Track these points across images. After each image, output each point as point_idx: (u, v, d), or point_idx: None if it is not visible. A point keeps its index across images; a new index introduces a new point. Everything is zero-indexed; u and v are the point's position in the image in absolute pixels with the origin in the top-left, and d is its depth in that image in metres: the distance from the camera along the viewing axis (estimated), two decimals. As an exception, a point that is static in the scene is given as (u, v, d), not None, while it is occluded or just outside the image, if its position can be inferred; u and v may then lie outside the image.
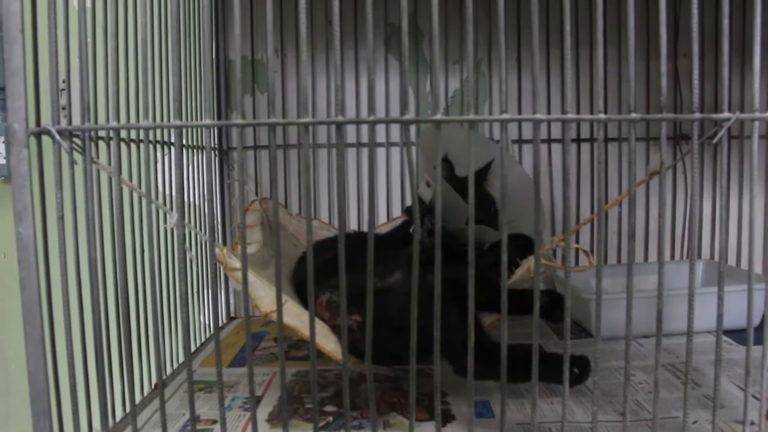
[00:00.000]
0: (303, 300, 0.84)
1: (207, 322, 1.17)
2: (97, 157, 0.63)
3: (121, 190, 0.65)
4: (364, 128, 1.28)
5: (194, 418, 0.62)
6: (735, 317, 0.66)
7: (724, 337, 1.01)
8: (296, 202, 1.33)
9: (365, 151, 1.29)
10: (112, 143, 0.62)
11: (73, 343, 0.62)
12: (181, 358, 0.99)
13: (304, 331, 0.75)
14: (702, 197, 1.33)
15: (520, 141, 1.32)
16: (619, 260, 1.33)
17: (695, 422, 0.73)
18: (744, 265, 1.23)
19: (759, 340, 0.60)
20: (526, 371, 0.60)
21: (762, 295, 0.88)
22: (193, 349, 1.09)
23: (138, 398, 0.82)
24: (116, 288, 0.63)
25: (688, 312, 0.59)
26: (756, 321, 0.59)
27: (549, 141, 1.32)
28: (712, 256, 1.33)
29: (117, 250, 0.63)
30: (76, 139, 0.61)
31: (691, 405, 0.78)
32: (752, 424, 0.61)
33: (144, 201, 0.60)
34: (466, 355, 0.58)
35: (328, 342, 0.76)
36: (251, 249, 0.93)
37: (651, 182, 1.30)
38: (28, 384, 0.61)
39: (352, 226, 1.32)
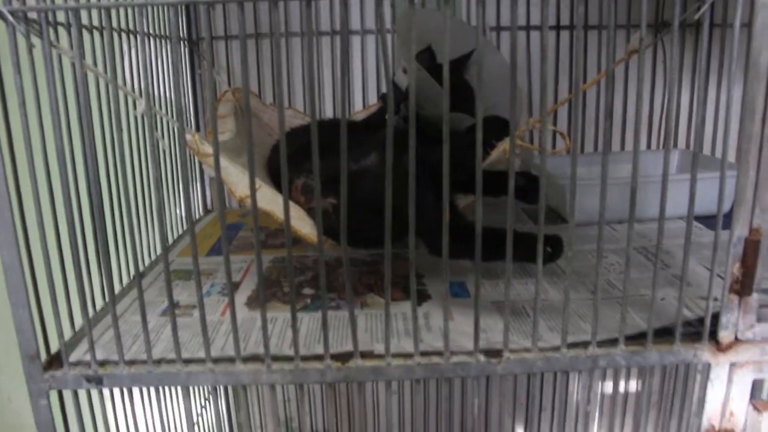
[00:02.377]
0: (278, 186, 0.84)
1: (184, 215, 1.17)
2: (57, 42, 0.61)
3: (85, 75, 0.63)
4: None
5: (173, 304, 0.62)
6: (706, 204, 0.67)
7: (695, 223, 1.03)
8: (270, 93, 1.30)
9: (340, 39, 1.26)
10: (73, 29, 0.59)
11: (46, 236, 0.62)
12: (160, 249, 0.99)
13: (279, 214, 0.75)
14: (681, 87, 1.32)
15: (498, 28, 1.28)
16: (596, 148, 1.33)
17: (663, 299, 0.75)
18: (719, 154, 1.24)
19: (728, 226, 0.61)
20: (500, 250, 0.61)
21: (733, 183, 0.89)
22: (171, 240, 1.09)
23: (117, 289, 0.83)
24: (87, 180, 0.62)
25: (661, 197, 0.60)
26: (726, 207, 0.60)
27: (528, 28, 1.29)
28: (688, 146, 1.33)
29: (86, 140, 0.62)
30: (34, 24, 0.58)
31: (660, 284, 0.80)
32: (715, 300, 0.63)
33: (110, 89, 0.58)
34: (440, 235, 0.59)
35: (303, 225, 0.76)
36: (224, 137, 0.91)
37: (630, 71, 1.30)
38: (4, 276, 0.61)
39: (328, 114, 1.31)
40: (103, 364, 0.64)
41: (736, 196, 0.60)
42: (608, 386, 1.47)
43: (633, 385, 1.46)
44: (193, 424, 1.07)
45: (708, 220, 1.02)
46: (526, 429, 1.49)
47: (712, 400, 0.66)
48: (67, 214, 0.61)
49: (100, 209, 0.62)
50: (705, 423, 0.67)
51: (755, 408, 0.64)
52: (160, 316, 0.77)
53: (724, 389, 0.66)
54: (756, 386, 0.66)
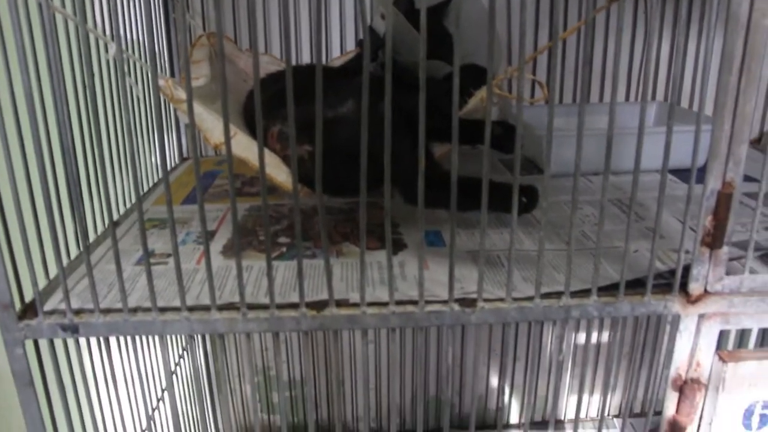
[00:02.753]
0: (254, 133, 0.83)
1: (159, 162, 1.15)
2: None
3: (53, 17, 0.61)
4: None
5: (147, 252, 0.62)
6: (682, 157, 0.67)
7: (670, 176, 1.04)
8: (246, 38, 1.28)
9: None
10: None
11: (17, 184, 0.60)
12: (134, 197, 0.98)
13: (255, 162, 0.74)
14: (660, 38, 1.31)
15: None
16: (574, 99, 1.33)
17: (636, 251, 0.76)
18: (697, 108, 1.24)
19: (703, 180, 0.61)
20: (476, 200, 0.60)
21: (708, 137, 0.89)
22: (146, 188, 1.08)
23: (92, 238, 0.82)
24: (58, 125, 0.61)
25: (636, 149, 0.60)
26: (701, 161, 0.60)
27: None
28: (666, 99, 1.33)
29: (55, 84, 0.60)
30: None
31: (634, 236, 0.81)
32: (687, 252, 0.64)
33: (80, 31, 0.56)
34: (416, 184, 0.59)
35: (279, 173, 0.75)
36: (198, 83, 0.90)
37: (611, 21, 1.29)
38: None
39: (305, 60, 1.29)
40: (78, 312, 0.64)
41: (711, 150, 0.60)
42: (581, 337, 1.50)
43: (605, 336, 1.49)
44: (171, 373, 1.08)
45: (683, 174, 1.02)
46: (500, 378, 1.52)
47: (680, 351, 0.68)
48: (38, 161, 0.60)
49: (71, 156, 0.61)
50: (672, 372, 0.69)
51: (720, 358, 0.65)
52: (135, 265, 0.76)
53: (692, 340, 0.67)
54: (722, 337, 0.68)
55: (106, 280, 0.71)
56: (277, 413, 1.52)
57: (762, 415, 0.67)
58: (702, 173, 0.62)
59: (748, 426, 0.68)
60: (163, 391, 0.85)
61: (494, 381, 1.55)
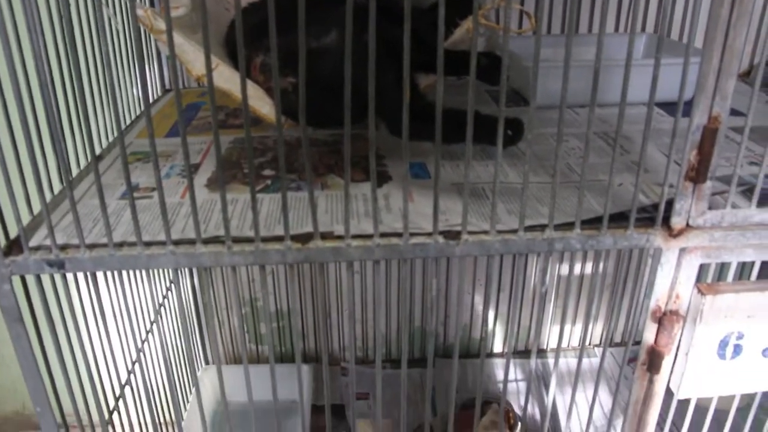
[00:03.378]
0: (237, 64, 0.81)
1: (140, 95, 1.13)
2: None
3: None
4: None
5: (130, 186, 0.61)
6: (670, 90, 0.66)
7: (657, 109, 1.04)
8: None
9: None
10: None
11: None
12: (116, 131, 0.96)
13: (238, 94, 0.73)
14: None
15: None
16: (562, 30, 1.31)
17: (620, 185, 0.76)
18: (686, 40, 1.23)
19: (689, 113, 0.61)
20: (461, 132, 0.60)
21: (697, 69, 0.89)
22: (128, 121, 1.06)
23: (75, 173, 0.81)
24: (35, 57, 0.59)
25: (623, 81, 0.59)
26: (689, 94, 0.59)
27: None
28: (656, 31, 1.31)
29: (30, 15, 0.58)
30: None
31: (619, 169, 0.81)
32: (671, 186, 0.65)
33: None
34: (401, 116, 0.58)
35: (263, 105, 0.74)
36: (178, 12, 0.87)
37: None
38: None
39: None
40: (64, 248, 0.64)
41: (698, 83, 0.60)
42: (564, 268, 1.52)
43: (588, 267, 1.52)
44: (159, 306, 1.10)
45: (670, 107, 1.02)
46: (484, 308, 1.54)
47: (661, 284, 0.69)
48: (16, 96, 0.58)
49: (49, 90, 0.60)
50: (652, 304, 0.70)
51: (699, 291, 0.67)
52: (119, 199, 0.75)
53: (673, 273, 0.68)
54: (701, 271, 0.69)
55: (91, 215, 0.71)
56: (266, 344, 1.55)
57: (736, 345, 0.69)
58: (689, 107, 0.61)
59: (722, 356, 0.69)
60: (151, 324, 0.86)
61: (479, 311, 1.58)
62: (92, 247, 0.63)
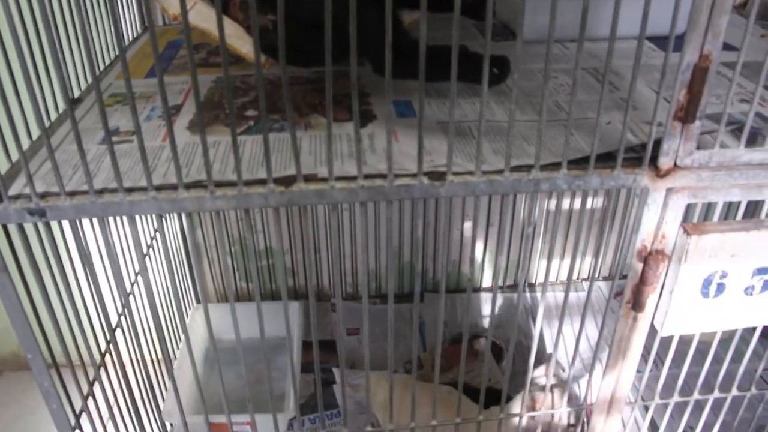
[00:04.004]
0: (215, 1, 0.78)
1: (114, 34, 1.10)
2: None
3: None
4: None
5: (108, 131, 0.60)
6: (661, 23, 0.64)
7: (649, 44, 1.01)
8: None
9: None
10: None
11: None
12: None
13: (217, 32, 0.70)
14: None
15: None
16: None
17: (609, 123, 0.75)
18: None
19: (681, 48, 0.59)
20: (446, 69, 0.58)
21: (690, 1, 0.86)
22: (107, 62, 1.03)
23: (54, 117, 0.79)
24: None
25: (613, 13, 0.57)
26: (681, 28, 0.58)
27: None
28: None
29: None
30: None
31: (607, 107, 0.79)
32: (660, 125, 0.64)
33: None
34: (384, 53, 0.56)
35: (243, 44, 0.72)
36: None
37: None
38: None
39: None
40: (44, 196, 0.62)
41: (690, 19, 0.58)
42: (552, 203, 1.52)
43: (577, 203, 1.52)
44: (147, 247, 1.10)
45: (662, 41, 1.00)
46: (472, 244, 1.55)
47: (647, 223, 0.69)
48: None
49: (17, 34, 0.57)
50: (638, 244, 0.70)
51: (685, 231, 0.67)
52: (99, 144, 0.73)
53: (659, 213, 0.68)
54: (688, 210, 0.69)
55: (70, 161, 0.69)
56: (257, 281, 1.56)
57: (719, 284, 0.70)
58: (681, 41, 0.60)
59: (705, 294, 0.70)
60: (141, 265, 0.86)
61: (467, 246, 1.59)
62: (73, 194, 0.62)
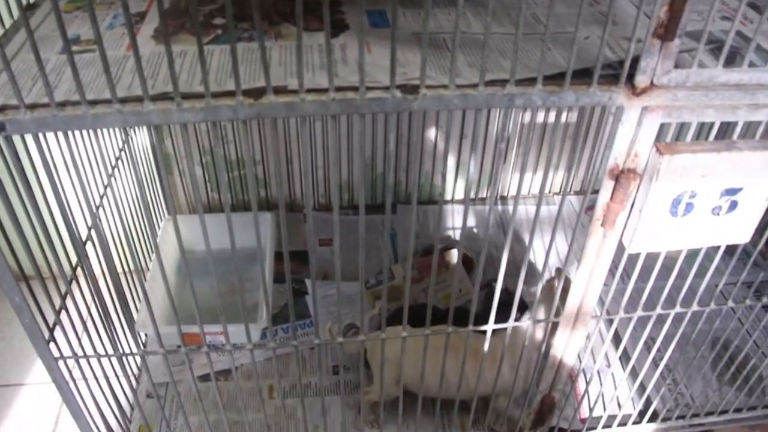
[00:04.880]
0: None
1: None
2: None
3: None
4: None
5: (66, 39, 0.57)
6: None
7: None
8: None
9: None
10: None
11: None
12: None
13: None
14: None
15: None
16: None
17: (587, 38, 0.74)
18: None
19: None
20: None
21: None
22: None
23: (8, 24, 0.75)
24: None
25: None
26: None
27: None
28: None
29: None
30: None
31: (586, 21, 0.78)
32: (639, 41, 0.62)
33: None
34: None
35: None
36: None
37: None
38: None
39: None
40: (2, 109, 0.60)
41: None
42: (527, 116, 1.51)
43: (552, 117, 1.51)
44: (116, 158, 1.07)
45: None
46: (444, 156, 1.54)
47: (620, 142, 0.69)
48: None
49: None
50: (611, 162, 0.70)
51: (657, 150, 0.67)
52: (60, 54, 0.70)
53: (633, 132, 0.68)
54: (661, 130, 0.68)
55: (29, 71, 0.66)
56: (226, 191, 1.54)
57: (688, 204, 0.70)
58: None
59: (674, 213, 0.71)
60: (108, 177, 0.83)
61: (440, 159, 1.58)
62: (33, 107, 0.60)
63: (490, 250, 1.48)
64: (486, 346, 0.88)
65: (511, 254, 1.44)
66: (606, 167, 0.71)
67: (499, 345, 0.94)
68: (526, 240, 1.51)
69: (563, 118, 1.50)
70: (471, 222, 1.60)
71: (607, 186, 0.72)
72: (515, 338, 0.98)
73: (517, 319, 0.86)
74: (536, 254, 1.45)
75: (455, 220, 1.60)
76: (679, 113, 0.67)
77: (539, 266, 1.42)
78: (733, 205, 0.72)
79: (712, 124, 0.70)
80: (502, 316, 0.84)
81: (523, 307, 0.97)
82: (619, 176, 0.71)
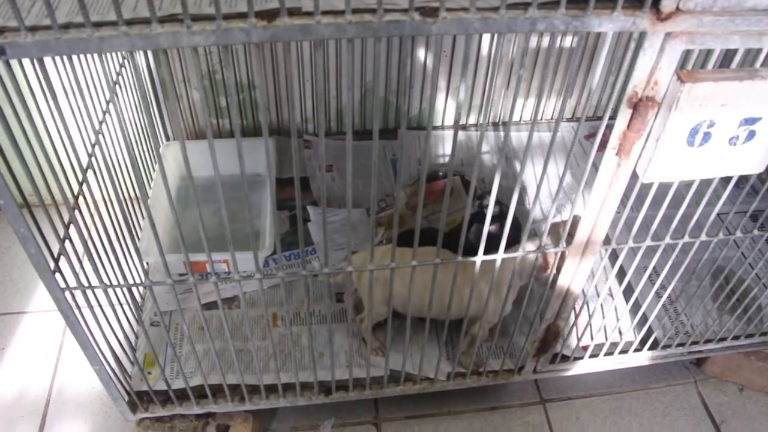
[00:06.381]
0: None
1: None
2: None
3: None
4: None
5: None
6: None
7: None
8: None
9: None
10: None
11: None
12: None
13: None
14: None
15: None
16: None
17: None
18: None
19: None
20: None
21: None
22: None
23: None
24: None
25: None
26: None
27: None
28: None
29: None
30: None
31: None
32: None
33: None
34: None
35: None
36: None
37: None
38: None
39: None
40: (1, 31, 0.56)
41: None
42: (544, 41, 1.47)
43: (567, 42, 1.47)
44: (114, 83, 1.04)
45: None
46: (460, 80, 1.51)
47: (641, 69, 0.67)
48: None
49: None
50: (629, 90, 0.68)
51: (679, 78, 0.65)
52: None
53: (654, 58, 0.66)
54: (684, 58, 0.67)
55: (27, -10, 0.63)
56: (226, 117, 1.51)
57: (705, 134, 0.69)
58: None
59: (691, 143, 0.70)
60: (107, 103, 0.81)
61: (442, 85, 1.55)
62: (34, 29, 0.57)
63: (494, 174, 1.47)
64: (477, 268, 0.87)
65: (513, 181, 1.43)
66: (625, 95, 0.69)
67: (489, 269, 0.93)
68: (530, 167, 1.49)
69: (571, 43, 1.46)
70: (481, 148, 1.58)
71: (625, 114, 0.71)
72: (504, 268, 0.98)
73: (509, 247, 0.85)
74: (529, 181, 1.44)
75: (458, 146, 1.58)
76: (704, 39, 0.65)
77: (542, 193, 1.42)
78: (751, 135, 0.71)
79: (735, 51, 0.68)
80: (497, 240, 0.84)
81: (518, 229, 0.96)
82: (638, 104, 0.69)
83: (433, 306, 0.92)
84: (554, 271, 0.95)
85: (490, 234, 0.82)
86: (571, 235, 0.85)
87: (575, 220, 0.84)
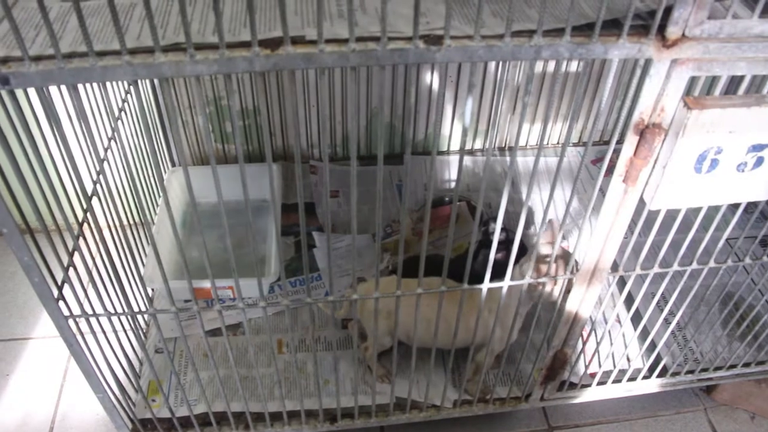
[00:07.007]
0: None
1: None
2: None
3: None
4: None
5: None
6: None
7: None
8: None
9: None
10: None
11: None
12: None
13: None
14: None
15: None
16: None
17: (613, -15, 0.71)
18: None
19: None
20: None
21: None
22: None
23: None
24: None
25: None
26: None
27: None
28: None
29: None
30: None
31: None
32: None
33: None
34: None
35: None
36: None
37: None
38: None
39: None
40: (5, 61, 0.57)
41: None
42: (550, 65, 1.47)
43: (573, 67, 1.47)
44: (119, 110, 1.04)
45: None
46: (454, 107, 1.52)
47: (647, 96, 0.66)
48: None
49: None
50: (636, 116, 0.68)
51: (686, 104, 0.64)
52: (62, 2, 0.66)
53: (661, 85, 0.65)
54: (690, 84, 0.66)
55: (31, 20, 0.63)
56: (231, 142, 1.52)
57: (713, 160, 0.68)
58: None
59: (698, 170, 0.69)
60: (113, 131, 0.81)
61: (447, 110, 1.55)
62: (38, 59, 0.57)
63: (494, 198, 1.47)
64: (483, 296, 0.86)
65: (520, 206, 1.43)
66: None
67: (495, 297, 0.92)
68: (537, 192, 1.48)
69: (586, 75, 1.46)
70: (487, 173, 1.58)
71: (631, 141, 0.70)
72: (510, 295, 0.97)
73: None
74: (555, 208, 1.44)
75: (465, 172, 1.58)
76: (710, 66, 0.64)
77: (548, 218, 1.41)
78: (759, 162, 0.70)
79: (742, 78, 0.68)
80: (502, 268, 0.83)
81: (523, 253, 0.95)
82: (644, 131, 0.69)
83: (439, 336, 0.91)
84: (561, 296, 0.93)
85: (496, 261, 0.81)
86: (566, 262, 0.84)
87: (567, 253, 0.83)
